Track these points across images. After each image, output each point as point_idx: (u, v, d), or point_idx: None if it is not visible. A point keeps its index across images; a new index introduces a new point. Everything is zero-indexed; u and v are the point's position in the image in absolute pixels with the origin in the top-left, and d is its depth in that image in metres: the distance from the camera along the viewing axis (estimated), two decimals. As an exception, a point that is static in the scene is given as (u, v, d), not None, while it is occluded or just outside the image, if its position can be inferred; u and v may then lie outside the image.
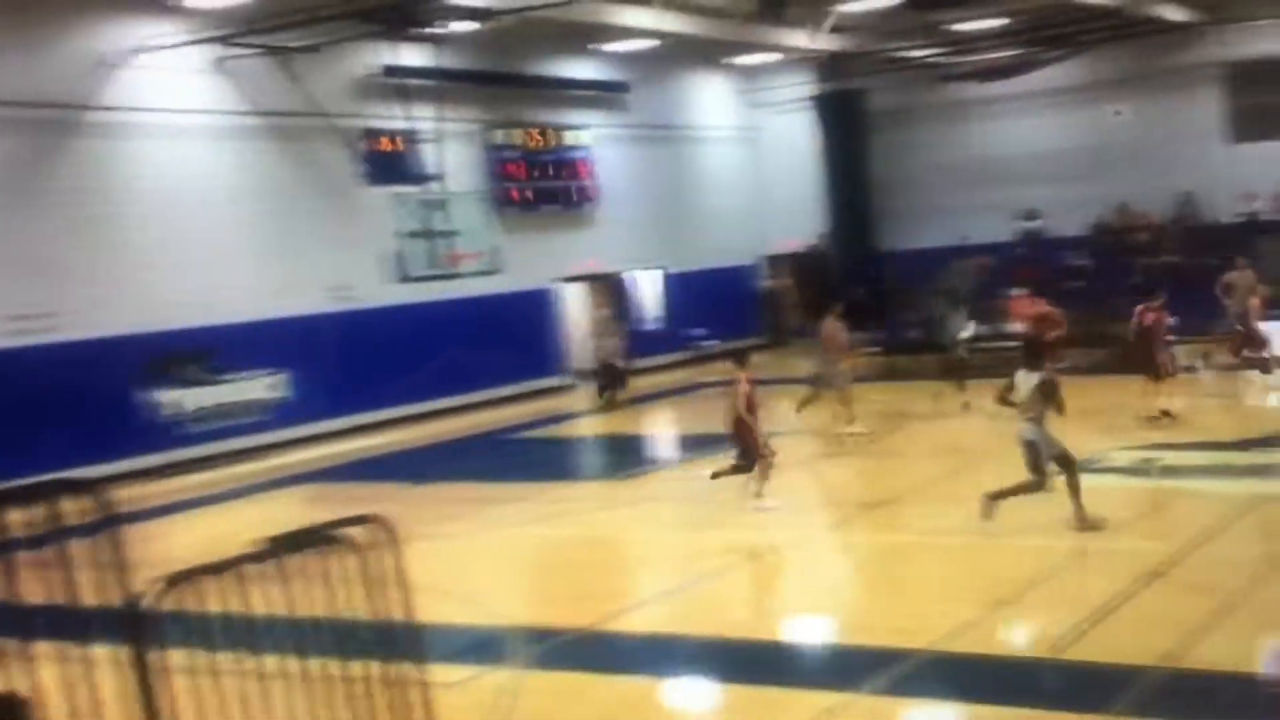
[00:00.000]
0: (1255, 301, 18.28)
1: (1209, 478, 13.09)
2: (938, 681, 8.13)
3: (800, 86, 30.81)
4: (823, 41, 26.31)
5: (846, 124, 30.73)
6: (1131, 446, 14.81)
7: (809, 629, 9.95)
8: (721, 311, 29.42)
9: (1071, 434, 16.00)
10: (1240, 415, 16.03)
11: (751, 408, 12.81)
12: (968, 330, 18.55)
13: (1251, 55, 27.24)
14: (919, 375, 22.61)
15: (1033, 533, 11.72)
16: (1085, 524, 10.93)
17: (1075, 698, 7.55)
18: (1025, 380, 11.17)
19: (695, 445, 17.93)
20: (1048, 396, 11.00)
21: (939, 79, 29.20)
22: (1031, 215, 29.55)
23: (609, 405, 22.84)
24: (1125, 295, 20.99)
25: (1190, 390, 16.27)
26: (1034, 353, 11.40)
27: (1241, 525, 11.22)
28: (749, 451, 12.88)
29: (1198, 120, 27.92)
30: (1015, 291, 24.51)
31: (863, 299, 24.95)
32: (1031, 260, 27.77)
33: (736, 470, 13.06)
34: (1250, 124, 27.56)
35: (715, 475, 13.26)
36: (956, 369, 18.32)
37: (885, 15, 25.13)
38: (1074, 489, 11.04)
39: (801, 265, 31.40)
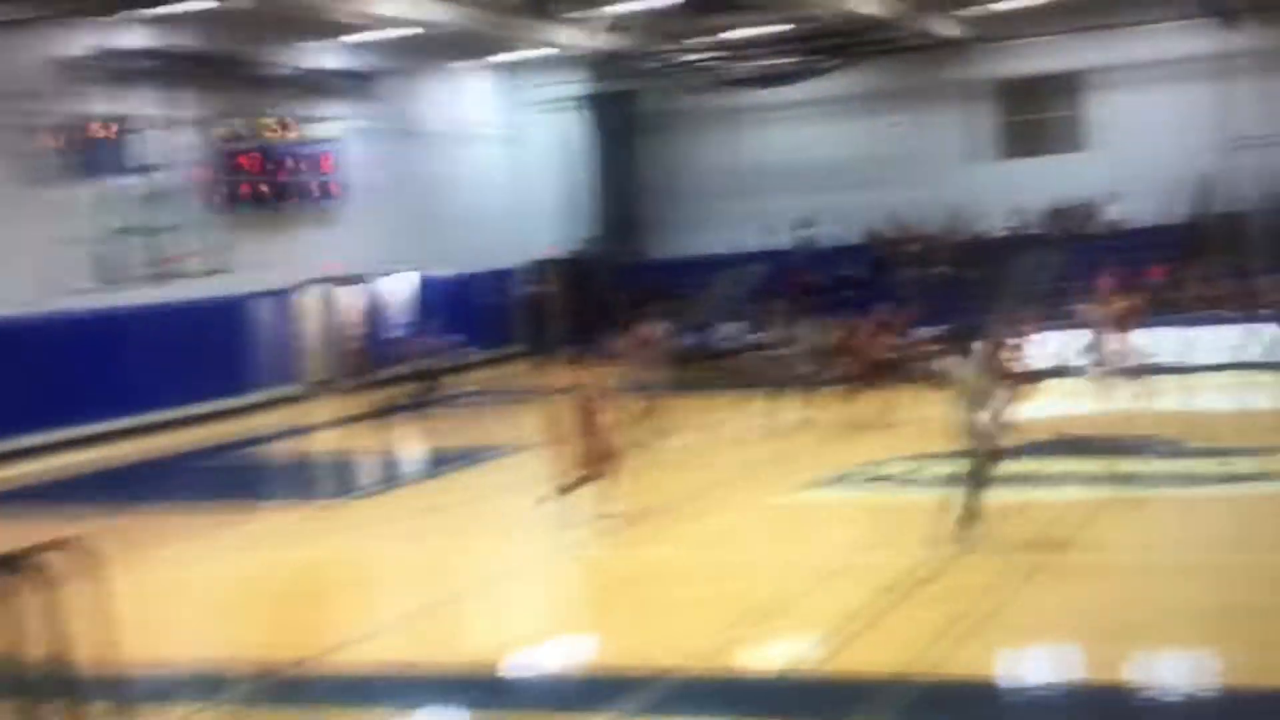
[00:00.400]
0: (1121, 305, 19.05)
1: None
2: (687, 703, 8.20)
3: (569, 85, 30.98)
4: (593, 40, 26.38)
5: (617, 126, 31.11)
6: (899, 457, 15.28)
7: (556, 653, 9.86)
8: (480, 318, 29.10)
9: (840, 446, 16.82)
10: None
11: (593, 414, 12.65)
12: (810, 339, 18.69)
13: (1020, 73, 28.91)
14: (694, 385, 22.86)
15: (788, 548, 12.07)
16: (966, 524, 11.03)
17: (822, 712, 7.81)
18: (962, 368, 11.05)
19: (442, 460, 17.59)
20: (995, 373, 10.93)
21: (715, 84, 29.80)
22: (806, 224, 30.45)
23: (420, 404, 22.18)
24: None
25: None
26: (963, 340, 11.27)
27: (1001, 532, 11.74)
28: (592, 457, 12.70)
29: (969, 134, 29.49)
30: (792, 301, 25.27)
31: (629, 306, 25.13)
32: (805, 269, 28.53)
33: (584, 480, 12.88)
34: (1019, 140, 29.25)
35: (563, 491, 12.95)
36: (806, 380, 18.38)
37: (660, 17, 25.38)
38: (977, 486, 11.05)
39: (567, 271, 31.48)
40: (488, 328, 29.11)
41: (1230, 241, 26.59)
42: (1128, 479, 13.66)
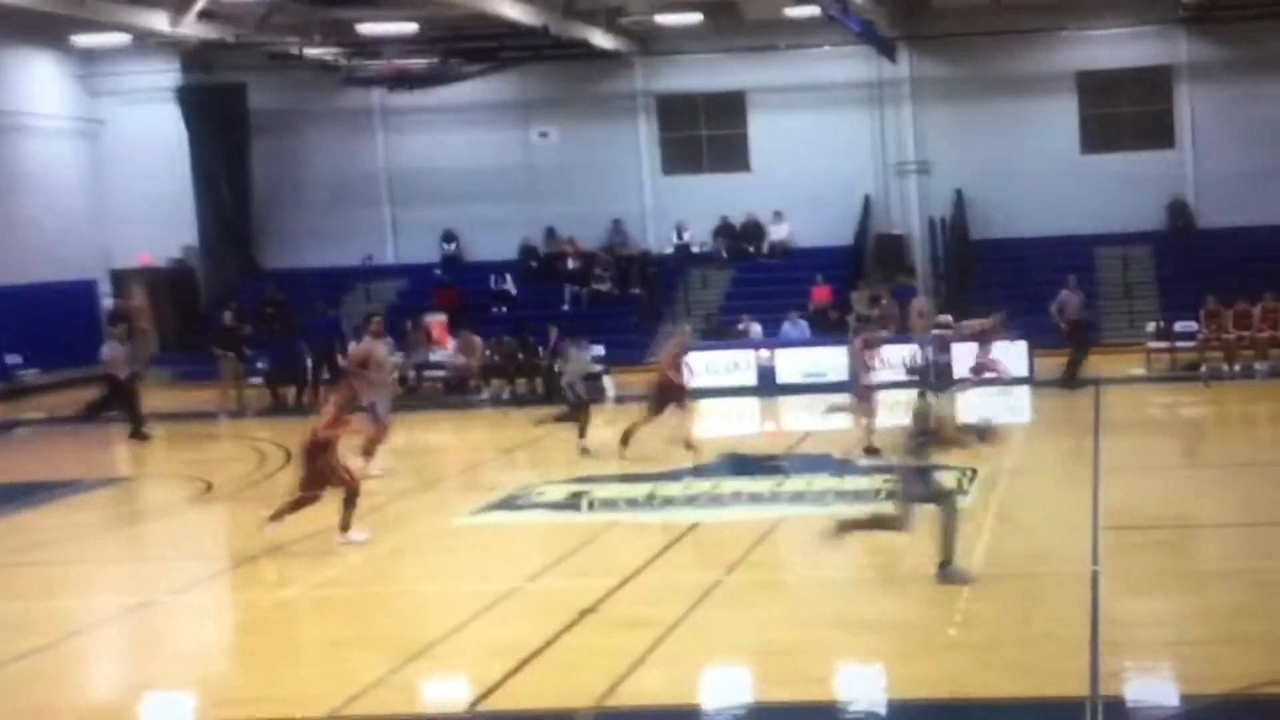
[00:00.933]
0: (977, 324, 19.43)
1: (639, 509, 14.08)
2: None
3: (162, 75, 29.76)
4: (189, 27, 24.98)
5: (221, 123, 29.90)
6: (560, 480, 15.41)
7: (169, 707, 9.24)
8: (48, 336, 27.06)
9: (501, 469, 16.79)
10: (672, 445, 17.06)
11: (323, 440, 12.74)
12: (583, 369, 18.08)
13: (684, 89, 29.97)
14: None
15: (458, 577, 11.94)
16: (956, 576, 10.56)
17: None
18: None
19: (10, 497, 16.05)
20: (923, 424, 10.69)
21: (340, 82, 29.03)
22: (451, 237, 30.22)
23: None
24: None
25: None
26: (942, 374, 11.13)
27: (672, 555, 12.11)
28: (324, 478, 12.74)
29: (630, 149, 30.47)
30: (433, 317, 24.89)
31: (234, 323, 24.03)
32: (451, 284, 28.50)
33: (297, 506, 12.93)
34: (684, 157, 30.25)
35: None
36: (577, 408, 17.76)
37: (273, 5, 24.35)
38: (948, 530, 10.60)
39: (160, 283, 29.90)
40: (61, 346, 27.04)
41: (889, 265, 28.28)
42: (797, 497, 14.37)
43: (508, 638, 9.61)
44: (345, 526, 12.69)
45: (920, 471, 10.61)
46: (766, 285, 27.67)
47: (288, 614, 11.06)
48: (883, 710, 8.22)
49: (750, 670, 9.05)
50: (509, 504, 14.42)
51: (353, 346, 17.78)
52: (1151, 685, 8.35)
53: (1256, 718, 7.87)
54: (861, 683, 8.72)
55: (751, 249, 29.37)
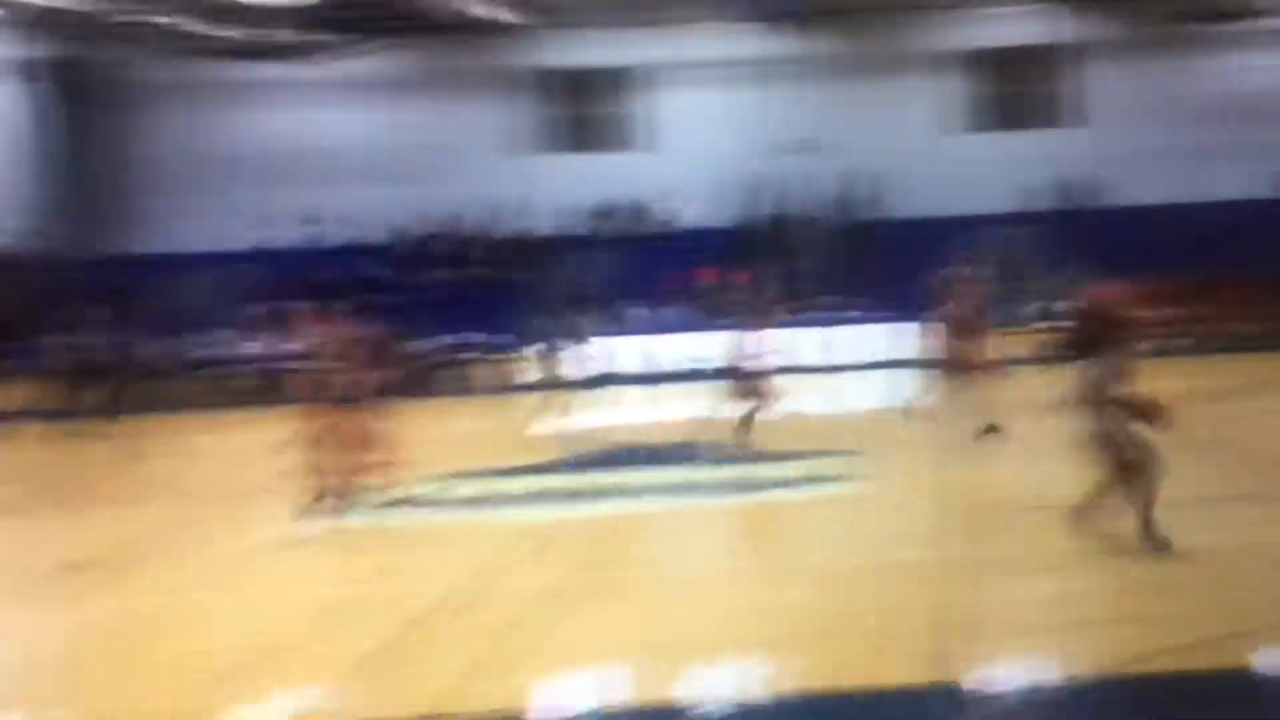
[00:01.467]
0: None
1: (505, 506, 13.76)
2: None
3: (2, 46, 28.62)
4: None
5: (68, 97, 29.23)
6: (429, 477, 15.11)
7: None
8: None
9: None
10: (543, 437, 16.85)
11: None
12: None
13: (567, 64, 29.66)
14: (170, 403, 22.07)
15: (290, 584, 11.39)
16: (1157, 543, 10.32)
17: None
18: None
19: None
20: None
21: (194, 53, 28.23)
22: (315, 219, 29.50)
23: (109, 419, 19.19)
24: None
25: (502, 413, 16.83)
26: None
27: (535, 555, 11.77)
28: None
29: (511, 127, 30.06)
30: (300, 306, 24.23)
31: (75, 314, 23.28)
32: (318, 270, 27.63)
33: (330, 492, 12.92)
34: (565, 135, 29.87)
35: None
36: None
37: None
38: (1143, 501, 10.42)
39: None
40: None
41: (777, 245, 28.25)
42: (676, 489, 14.13)
43: (340, 649, 9.10)
44: None
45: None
46: (651, 269, 27.53)
47: (107, 629, 10.26)
48: (766, 703, 7.94)
49: (621, 670, 8.64)
50: (364, 503, 13.61)
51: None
52: (1034, 667, 8.22)
53: (1139, 694, 7.73)
54: (740, 676, 8.39)
55: (636, 231, 29.17)
